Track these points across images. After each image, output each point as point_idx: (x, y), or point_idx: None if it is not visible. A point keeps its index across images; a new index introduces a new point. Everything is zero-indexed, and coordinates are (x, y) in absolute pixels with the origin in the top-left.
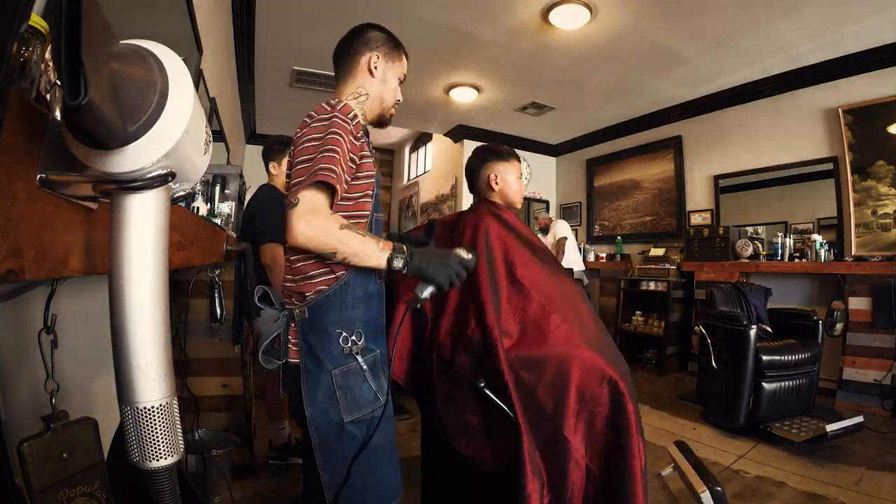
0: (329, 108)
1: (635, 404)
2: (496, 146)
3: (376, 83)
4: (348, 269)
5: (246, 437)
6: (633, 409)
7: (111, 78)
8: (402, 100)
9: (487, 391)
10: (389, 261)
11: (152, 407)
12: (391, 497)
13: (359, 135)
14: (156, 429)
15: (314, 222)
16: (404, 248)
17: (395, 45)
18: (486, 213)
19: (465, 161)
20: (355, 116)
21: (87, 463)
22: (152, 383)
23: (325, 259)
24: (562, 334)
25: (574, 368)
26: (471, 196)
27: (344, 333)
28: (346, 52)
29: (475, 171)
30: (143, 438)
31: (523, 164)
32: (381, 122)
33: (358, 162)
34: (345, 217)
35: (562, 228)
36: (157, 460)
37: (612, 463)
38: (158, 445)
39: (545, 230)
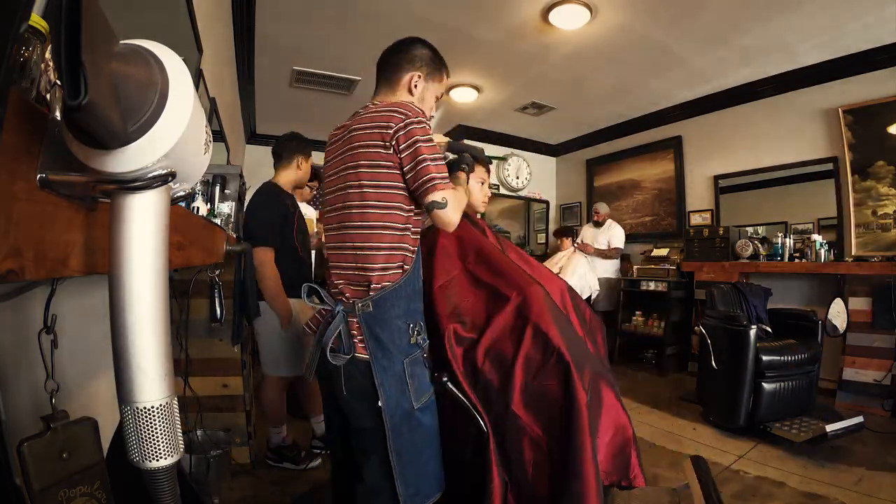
0: (409, 112)
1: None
2: (469, 146)
3: (414, 101)
4: (411, 263)
5: (246, 437)
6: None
7: (111, 78)
8: (435, 115)
9: (450, 385)
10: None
11: (152, 407)
12: (442, 482)
13: None
14: (156, 429)
15: (459, 211)
16: (464, 168)
17: (438, 66)
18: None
19: None
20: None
21: (87, 463)
22: (152, 383)
23: (395, 255)
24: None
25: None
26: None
27: (410, 323)
28: (391, 63)
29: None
30: (142, 438)
31: (523, 164)
32: None
33: None
34: (412, 215)
35: (619, 236)
36: (157, 460)
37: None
38: (158, 445)
39: (599, 224)
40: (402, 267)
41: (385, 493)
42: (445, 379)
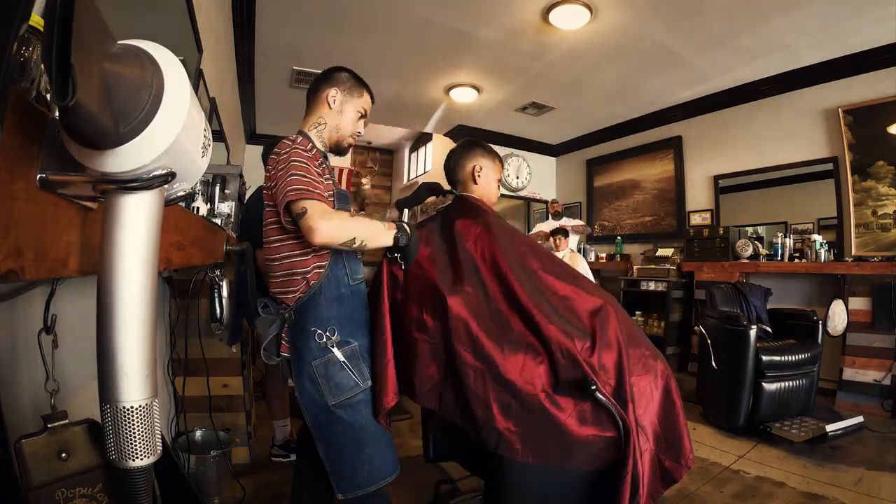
0: (290, 144)
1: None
2: (483, 143)
3: (333, 114)
4: (318, 277)
5: (246, 437)
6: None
7: (103, 79)
8: (362, 133)
9: (598, 394)
10: (396, 239)
11: (132, 407)
12: (385, 473)
13: (318, 161)
14: (134, 429)
15: (332, 220)
16: (405, 226)
17: (357, 83)
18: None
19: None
20: (313, 147)
21: (88, 465)
22: (134, 384)
23: (297, 271)
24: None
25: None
26: None
27: (318, 330)
28: (313, 89)
29: (457, 160)
30: (120, 437)
31: (523, 164)
32: (339, 149)
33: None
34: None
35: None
36: (134, 460)
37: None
38: (136, 445)
39: (558, 216)
40: (307, 283)
41: (327, 480)
42: (595, 388)
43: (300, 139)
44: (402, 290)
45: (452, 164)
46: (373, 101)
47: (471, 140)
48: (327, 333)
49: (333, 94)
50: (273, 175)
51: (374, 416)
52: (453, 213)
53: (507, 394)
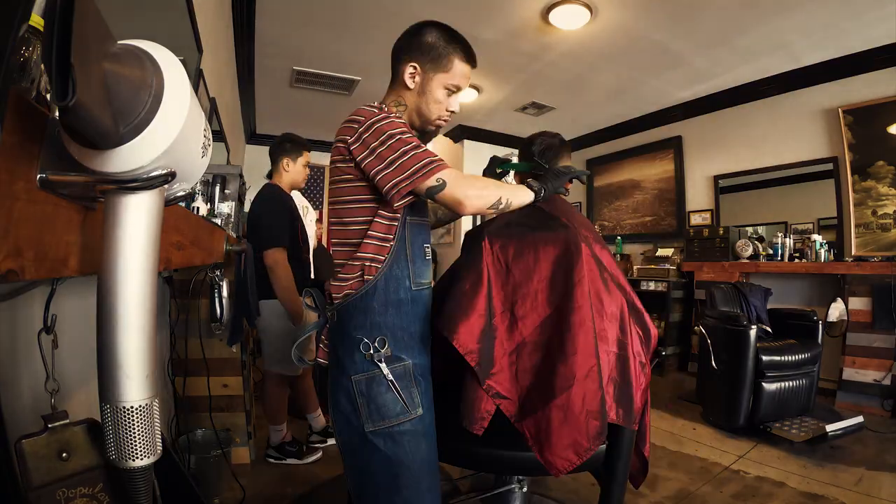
0: (378, 110)
1: None
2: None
3: (413, 95)
4: (375, 273)
5: (246, 437)
6: None
7: (103, 79)
8: (456, 111)
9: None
10: (536, 192)
11: (132, 407)
12: None
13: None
14: (134, 429)
15: (475, 184)
16: (531, 181)
17: (440, 51)
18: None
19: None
20: (400, 116)
21: (89, 465)
22: (133, 383)
23: (352, 262)
24: None
25: None
26: None
27: (366, 339)
28: (395, 55)
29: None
30: (120, 437)
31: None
32: (423, 134)
33: None
34: (391, 215)
35: None
36: (134, 460)
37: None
38: (136, 445)
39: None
40: (361, 277)
41: None
42: (665, 352)
43: (385, 106)
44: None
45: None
46: (473, 64)
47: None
48: (376, 344)
49: (412, 70)
50: (360, 148)
51: (420, 450)
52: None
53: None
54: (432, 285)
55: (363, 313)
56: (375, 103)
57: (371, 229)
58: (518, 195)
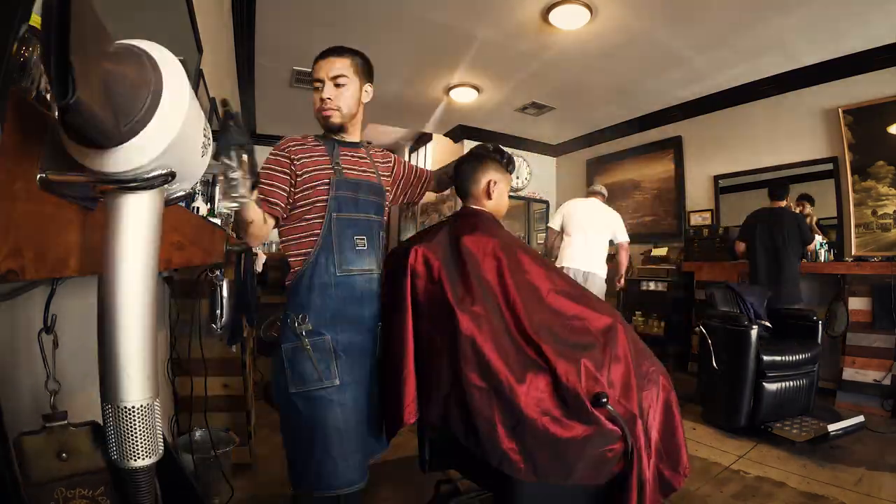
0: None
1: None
2: (498, 147)
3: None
4: (302, 264)
5: (246, 437)
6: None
7: (102, 77)
8: (321, 101)
9: (609, 406)
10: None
11: (133, 407)
12: (336, 484)
13: (294, 156)
14: (135, 429)
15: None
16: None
17: (313, 62)
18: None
19: None
20: (294, 141)
21: (89, 467)
22: (134, 383)
23: (288, 256)
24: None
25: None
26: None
27: (293, 315)
28: None
29: (470, 173)
30: (122, 437)
31: (523, 164)
32: (325, 128)
33: (297, 177)
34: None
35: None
36: (136, 460)
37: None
38: (137, 445)
39: None
40: (292, 268)
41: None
42: (605, 400)
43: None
44: (418, 302)
45: (466, 178)
46: (314, 62)
47: (483, 150)
48: (299, 319)
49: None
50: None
51: (345, 422)
52: (464, 227)
53: (512, 415)
54: (375, 272)
55: (295, 295)
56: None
57: (303, 230)
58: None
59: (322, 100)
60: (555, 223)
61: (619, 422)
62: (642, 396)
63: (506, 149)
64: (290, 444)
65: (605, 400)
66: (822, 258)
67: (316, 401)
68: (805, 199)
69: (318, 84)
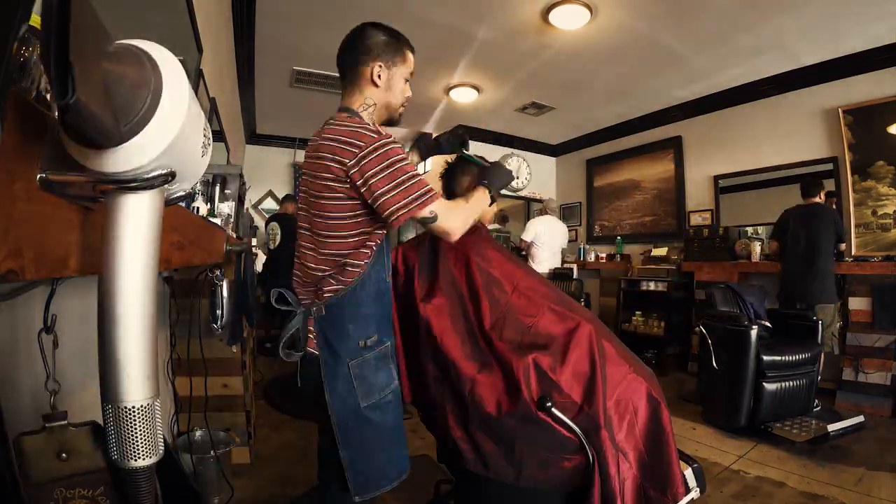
0: (375, 134)
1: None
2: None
3: (381, 92)
4: (361, 271)
5: (246, 437)
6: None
7: (102, 77)
8: (411, 96)
9: (555, 410)
10: (492, 198)
11: (133, 407)
12: (401, 473)
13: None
14: (136, 429)
15: (458, 214)
16: (484, 183)
17: (396, 47)
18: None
19: None
20: (392, 138)
21: (89, 467)
22: (135, 383)
23: (344, 265)
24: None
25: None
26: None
27: (358, 328)
28: (349, 61)
29: (456, 175)
30: (123, 437)
31: (522, 164)
32: (391, 122)
33: None
34: (371, 230)
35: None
36: (136, 460)
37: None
38: (138, 445)
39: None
40: (349, 277)
41: (337, 481)
42: (550, 404)
43: (370, 124)
44: (399, 296)
45: (451, 179)
46: (414, 53)
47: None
48: (366, 332)
49: (378, 70)
50: (359, 174)
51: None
52: None
53: (461, 405)
54: None
55: (353, 306)
56: (353, 117)
57: (369, 240)
58: (479, 208)
59: (409, 96)
60: (527, 236)
61: (573, 429)
62: (613, 405)
63: (506, 148)
64: (359, 456)
65: (549, 404)
66: None
67: (385, 406)
68: (831, 195)
69: (411, 78)
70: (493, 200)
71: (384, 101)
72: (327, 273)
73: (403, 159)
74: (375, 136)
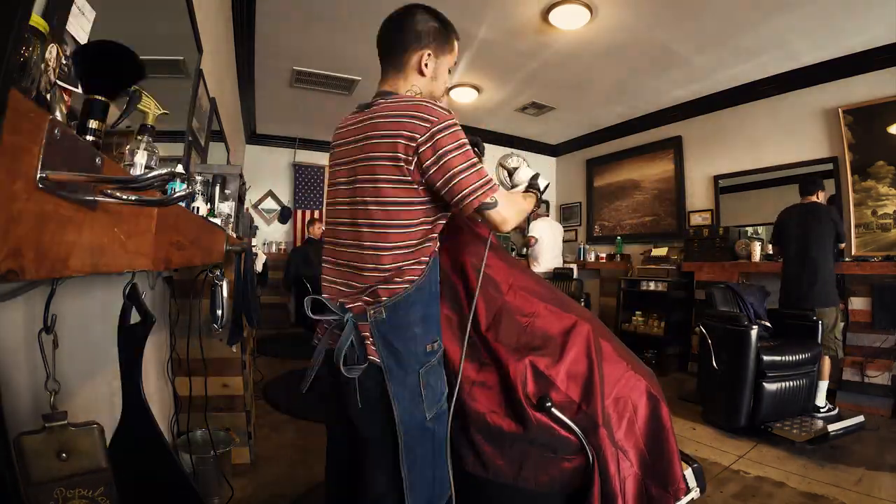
0: (447, 112)
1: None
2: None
3: (427, 81)
4: (427, 264)
5: (246, 437)
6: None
7: None
8: (451, 84)
9: (555, 410)
10: (537, 193)
11: None
12: (444, 489)
13: None
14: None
15: (514, 206)
16: (536, 186)
17: (445, 36)
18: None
19: None
20: None
21: (89, 467)
22: None
23: (407, 264)
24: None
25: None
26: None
27: (425, 332)
28: (396, 45)
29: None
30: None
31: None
32: None
33: None
34: (434, 219)
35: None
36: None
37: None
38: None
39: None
40: (417, 273)
41: (390, 502)
42: (549, 404)
43: (440, 109)
44: None
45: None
46: (459, 41)
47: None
48: (433, 335)
49: (426, 59)
50: (430, 150)
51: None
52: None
53: (460, 405)
54: None
55: (419, 307)
56: (424, 100)
57: (432, 231)
58: (530, 208)
59: (448, 88)
60: (534, 234)
61: (572, 429)
62: (612, 403)
63: (506, 148)
64: (420, 471)
65: (548, 404)
66: None
67: (443, 415)
68: (832, 201)
69: (453, 69)
70: (539, 204)
71: (429, 91)
72: (388, 271)
73: (468, 143)
74: (447, 113)
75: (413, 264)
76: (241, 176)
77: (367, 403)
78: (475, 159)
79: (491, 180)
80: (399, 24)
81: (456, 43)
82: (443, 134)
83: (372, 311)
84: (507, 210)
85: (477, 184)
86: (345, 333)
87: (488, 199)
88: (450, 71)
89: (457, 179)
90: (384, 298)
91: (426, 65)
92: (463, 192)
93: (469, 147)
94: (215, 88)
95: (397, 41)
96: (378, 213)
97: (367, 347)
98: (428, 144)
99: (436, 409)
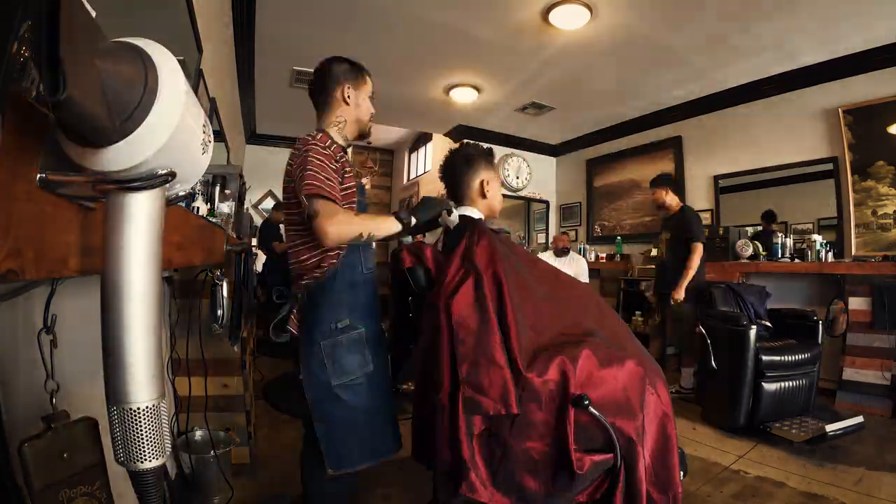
0: (309, 140)
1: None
2: (481, 147)
3: (351, 109)
4: (337, 260)
5: (246, 437)
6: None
7: (95, 74)
8: (374, 112)
9: (592, 409)
10: (400, 221)
11: (139, 409)
12: (380, 454)
13: (338, 156)
14: (141, 430)
15: (339, 222)
16: (401, 212)
17: (358, 72)
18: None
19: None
20: (332, 143)
21: (88, 463)
22: (140, 385)
23: (313, 258)
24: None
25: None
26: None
27: (329, 314)
28: (321, 90)
29: (462, 177)
30: (128, 439)
31: (522, 164)
32: (363, 136)
33: (342, 178)
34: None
35: (586, 270)
36: (143, 462)
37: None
38: (144, 447)
39: (564, 252)
40: (322, 269)
41: (317, 454)
42: (588, 402)
43: (319, 135)
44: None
45: (458, 182)
46: (371, 77)
47: (469, 149)
48: (338, 317)
49: (346, 90)
50: (292, 170)
51: (375, 398)
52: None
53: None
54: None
55: (329, 293)
56: (311, 133)
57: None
58: (382, 228)
59: (373, 112)
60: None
61: (604, 424)
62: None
63: (506, 148)
64: (332, 431)
65: (586, 402)
66: (822, 258)
67: (357, 388)
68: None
69: (373, 95)
70: (407, 230)
71: (354, 116)
72: (311, 263)
73: (320, 159)
74: (309, 139)
75: (325, 260)
76: (240, 176)
77: (296, 364)
78: (313, 170)
79: (319, 187)
80: (319, 76)
81: (368, 78)
82: (302, 157)
83: (300, 295)
84: (328, 225)
85: (311, 180)
86: (283, 308)
87: (310, 208)
88: (372, 98)
89: (300, 174)
90: (306, 284)
91: (348, 95)
92: (302, 183)
93: (315, 163)
94: (215, 88)
95: (321, 88)
96: (288, 223)
97: (290, 321)
98: (292, 166)
99: (345, 380)
